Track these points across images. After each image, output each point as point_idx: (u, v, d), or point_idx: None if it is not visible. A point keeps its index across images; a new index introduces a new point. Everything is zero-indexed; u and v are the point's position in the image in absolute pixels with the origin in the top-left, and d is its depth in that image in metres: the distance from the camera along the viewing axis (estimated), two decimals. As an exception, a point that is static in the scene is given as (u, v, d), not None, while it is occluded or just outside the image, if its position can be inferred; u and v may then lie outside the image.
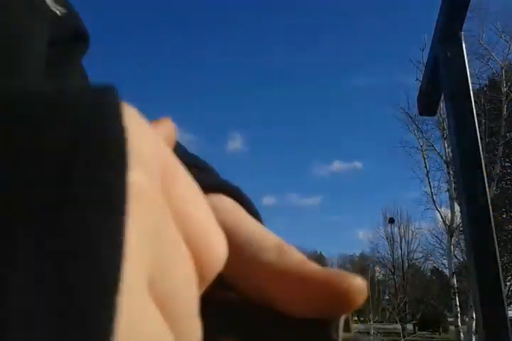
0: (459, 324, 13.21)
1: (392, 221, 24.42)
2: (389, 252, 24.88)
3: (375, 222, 26.16)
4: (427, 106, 1.49)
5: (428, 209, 15.36)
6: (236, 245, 0.18)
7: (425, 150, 15.21)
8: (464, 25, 1.32)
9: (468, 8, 1.32)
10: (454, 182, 12.09)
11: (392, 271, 24.43)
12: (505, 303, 1.16)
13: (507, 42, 14.89)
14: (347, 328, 0.18)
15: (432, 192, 14.67)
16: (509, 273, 15.41)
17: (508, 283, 15.22)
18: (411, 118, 15.39)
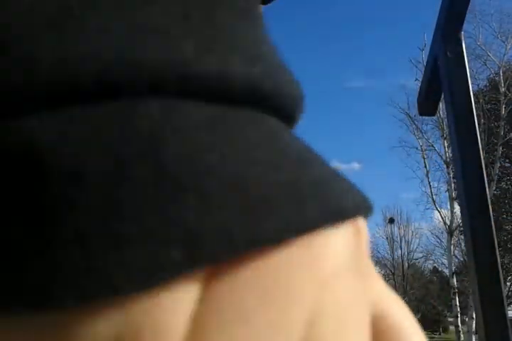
0: (459, 324, 13.20)
1: (392, 221, 24.41)
2: (389, 252, 24.90)
3: (375, 222, 26.18)
4: (426, 106, 1.49)
5: (428, 209, 15.37)
6: None
7: (425, 150, 15.21)
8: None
9: (468, 8, 1.32)
10: (454, 183, 12.09)
11: (392, 271, 24.42)
12: (505, 303, 1.16)
13: (503, 42, 14.91)
14: None
15: (431, 192, 14.67)
16: (509, 273, 15.41)
17: (508, 283, 15.21)
18: (410, 118, 15.40)
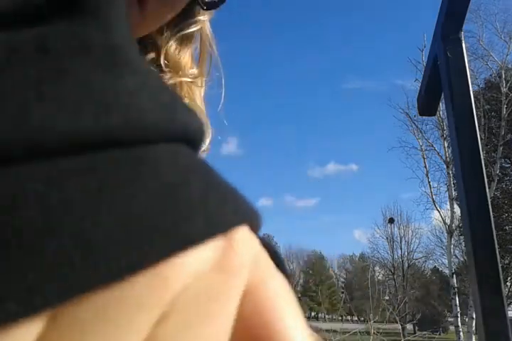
0: (459, 324, 13.17)
1: (392, 221, 24.41)
2: (389, 252, 24.89)
3: (374, 222, 26.15)
4: (426, 106, 1.50)
5: (428, 209, 15.37)
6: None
7: (425, 150, 15.20)
8: (464, 26, 1.32)
9: (469, 8, 1.32)
10: (454, 183, 12.08)
11: (392, 271, 24.42)
12: (505, 303, 1.16)
13: (506, 42, 14.90)
14: None
15: (431, 192, 14.66)
16: (509, 273, 15.41)
17: (508, 283, 15.22)
18: (410, 118, 15.39)
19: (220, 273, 0.13)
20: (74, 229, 0.11)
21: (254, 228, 0.15)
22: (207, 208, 0.13)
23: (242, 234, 0.14)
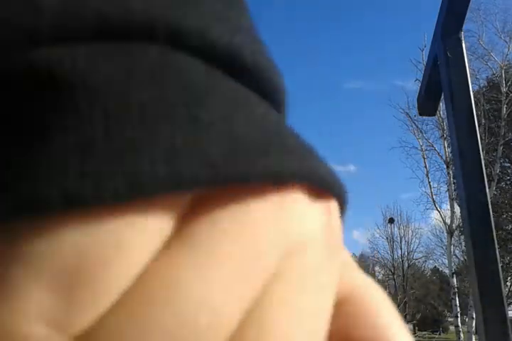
0: (459, 324, 13.18)
1: (392, 221, 24.40)
2: (389, 252, 24.89)
3: (374, 222, 26.15)
4: (426, 106, 1.50)
5: (428, 209, 15.36)
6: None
7: (425, 150, 15.20)
8: (464, 26, 1.32)
9: (469, 8, 1.32)
10: (454, 183, 12.08)
11: (392, 271, 24.41)
12: (505, 303, 1.16)
13: (506, 42, 14.90)
14: None
15: (431, 192, 14.66)
16: (509, 273, 15.41)
17: (508, 283, 15.21)
18: (410, 118, 15.39)
19: (326, 248, 0.11)
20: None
21: (341, 206, 0.13)
22: (300, 149, 0.11)
23: (336, 207, 0.12)
